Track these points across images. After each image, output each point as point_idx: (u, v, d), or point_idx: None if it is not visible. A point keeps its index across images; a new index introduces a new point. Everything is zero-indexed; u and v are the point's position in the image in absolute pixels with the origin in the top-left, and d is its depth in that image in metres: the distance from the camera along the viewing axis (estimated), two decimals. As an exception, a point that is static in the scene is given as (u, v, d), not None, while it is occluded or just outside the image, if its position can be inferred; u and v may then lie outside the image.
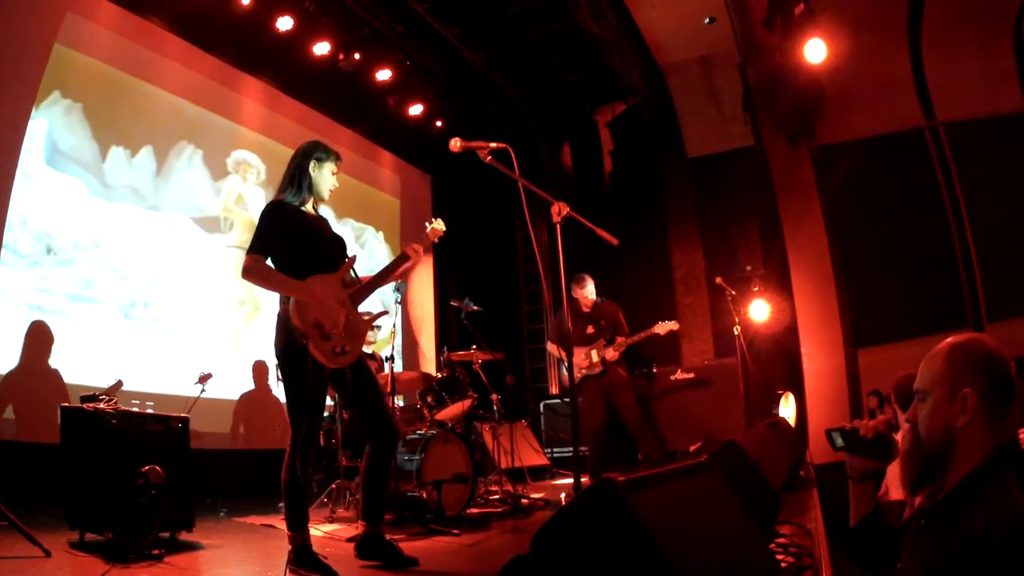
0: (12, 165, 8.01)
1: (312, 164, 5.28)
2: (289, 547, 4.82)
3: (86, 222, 8.88)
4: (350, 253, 5.39)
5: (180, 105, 10.29)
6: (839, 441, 2.84)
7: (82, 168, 8.92)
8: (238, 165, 10.97)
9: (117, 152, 9.35)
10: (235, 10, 10.24)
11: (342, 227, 12.91)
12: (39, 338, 8.09)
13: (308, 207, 5.33)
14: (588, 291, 9.12)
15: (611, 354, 8.81)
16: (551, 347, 9.32)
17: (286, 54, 11.40)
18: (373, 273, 5.49)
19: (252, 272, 4.94)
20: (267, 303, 10.49)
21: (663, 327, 8.96)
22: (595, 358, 8.87)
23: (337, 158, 5.42)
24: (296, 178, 5.28)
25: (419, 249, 5.48)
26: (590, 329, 9.04)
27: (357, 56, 11.82)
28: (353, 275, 5.37)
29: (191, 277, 10.07)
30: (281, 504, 4.93)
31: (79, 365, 8.38)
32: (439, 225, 5.88)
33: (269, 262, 5.05)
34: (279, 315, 5.04)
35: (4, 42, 7.97)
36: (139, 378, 8.77)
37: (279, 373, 5.15)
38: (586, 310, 9.17)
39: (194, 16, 10.13)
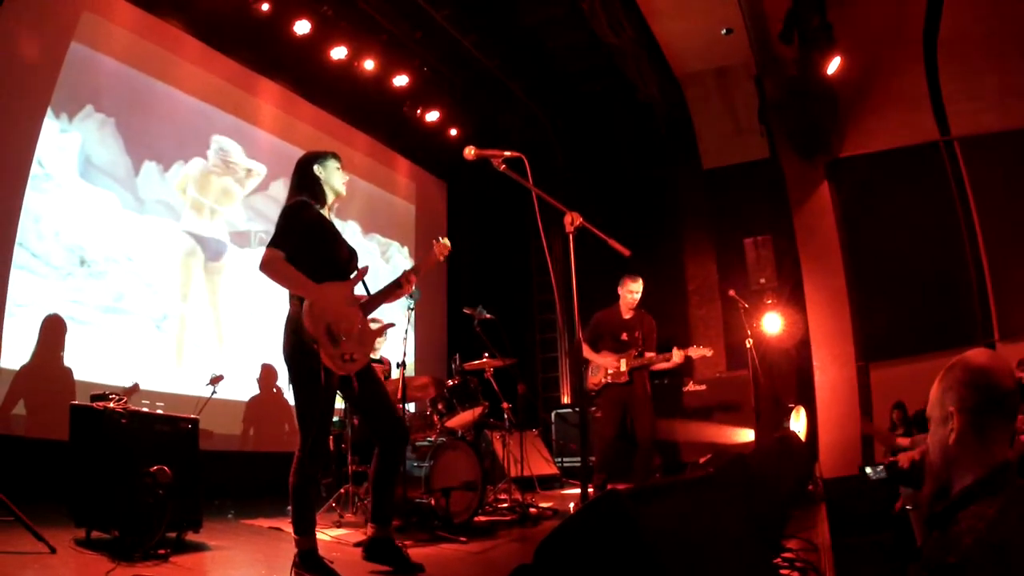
0: (28, 158, 8.06)
1: (316, 168, 5.33)
2: (295, 551, 4.82)
3: (119, 235, 9.00)
4: (366, 266, 5.39)
5: (208, 115, 10.38)
6: (872, 474, 2.90)
7: (115, 182, 9.00)
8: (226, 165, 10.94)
9: (150, 167, 9.45)
10: (253, 13, 10.26)
11: (368, 242, 12.99)
12: (51, 334, 8.12)
13: (326, 212, 5.37)
14: (636, 291, 8.97)
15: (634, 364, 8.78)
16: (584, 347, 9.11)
17: (303, 58, 11.42)
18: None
19: (271, 267, 4.91)
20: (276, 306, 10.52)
21: (696, 352, 8.88)
22: (623, 367, 8.80)
23: (335, 155, 5.46)
24: (307, 186, 5.31)
25: (413, 279, 5.53)
26: (624, 336, 8.95)
27: (370, 61, 11.81)
28: (364, 287, 5.40)
29: (210, 286, 10.14)
30: (289, 507, 4.93)
31: (92, 363, 8.41)
32: (445, 244, 5.90)
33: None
34: (288, 316, 5.03)
35: (22, 38, 8.02)
36: (151, 378, 8.81)
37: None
38: (626, 316, 9.07)
39: (211, 18, 10.17)
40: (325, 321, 4.89)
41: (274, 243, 4.95)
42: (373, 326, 5.48)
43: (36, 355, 7.95)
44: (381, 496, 5.30)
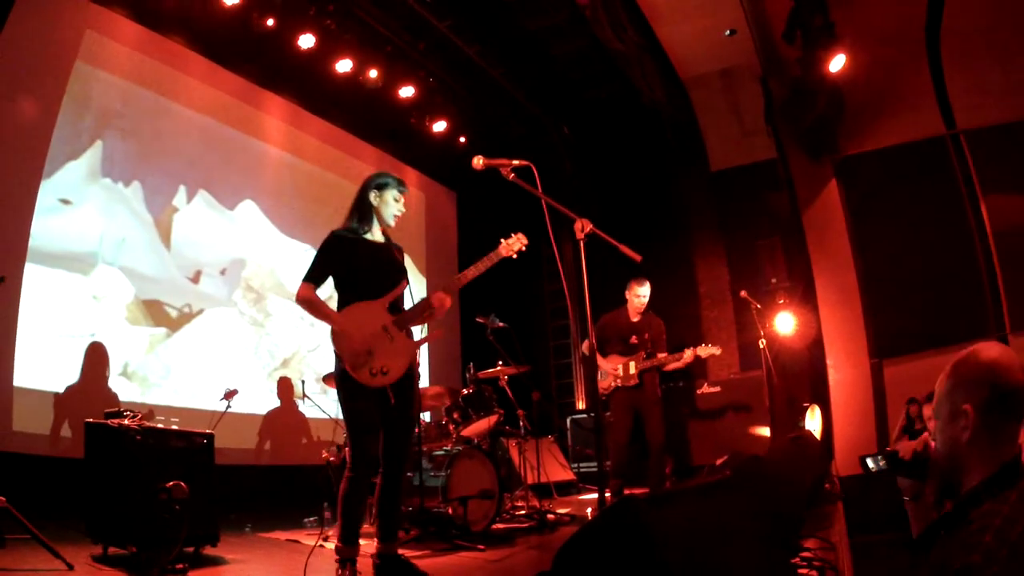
0: (37, 178, 8.14)
1: (372, 194, 5.61)
2: (336, 558, 5.14)
3: (128, 248, 9.10)
4: (403, 283, 5.62)
5: (214, 131, 10.41)
6: (872, 465, 2.87)
7: (124, 198, 9.09)
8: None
9: (159, 182, 9.60)
10: (256, 28, 10.28)
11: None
12: (95, 358, 8.28)
13: (374, 235, 5.65)
14: (643, 294, 8.92)
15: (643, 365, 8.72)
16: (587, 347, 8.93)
17: (309, 72, 11.45)
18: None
19: (302, 299, 5.32)
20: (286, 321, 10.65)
21: (705, 351, 8.84)
22: (632, 370, 8.75)
23: (399, 184, 5.74)
24: (357, 208, 5.64)
25: (444, 300, 5.60)
26: (633, 339, 8.86)
27: (373, 72, 11.82)
28: (408, 299, 5.63)
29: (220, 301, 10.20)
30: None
31: (113, 383, 8.49)
32: (520, 238, 5.89)
33: (333, 285, 5.46)
34: None
35: (26, 59, 8.06)
36: (165, 394, 8.86)
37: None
38: (634, 319, 8.98)
39: (215, 34, 10.19)
40: (347, 343, 5.18)
41: (306, 277, 5.36)
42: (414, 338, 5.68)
43: (81, 378, 8.16)
44: (384, 515, 5.48)
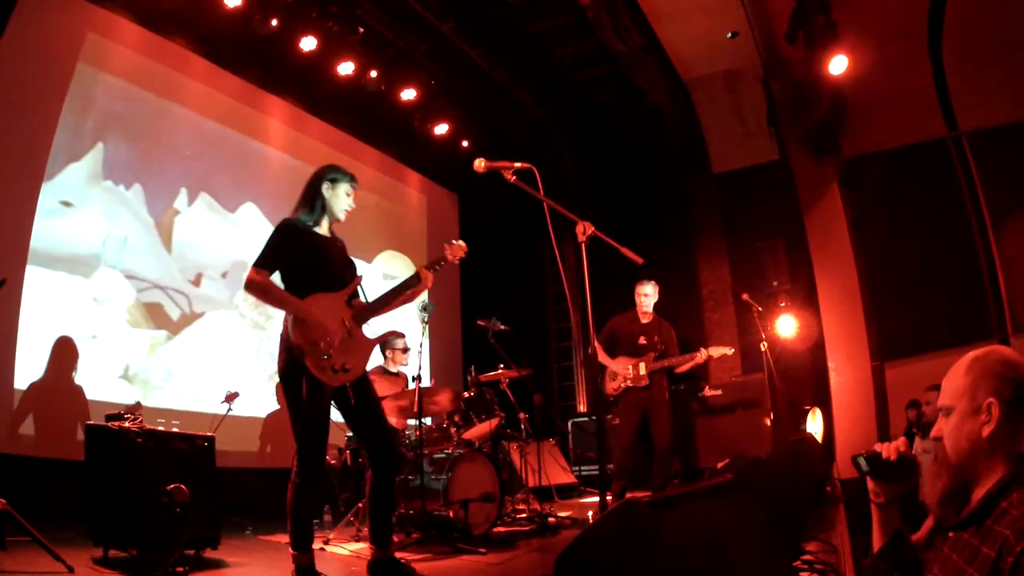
0: (38, 178, 8.14)
1: (325, 185, 5.41)
2: (293, 566, 4.94)
3: (130, 249, 9.10)
4: (360, 276, 5.47)
5: (216, 134, 10.40)
6: (865, 466, 2.80)
7: (125, 199, 9.08)
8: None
9: (159, 184, 9.60)
10: (259, 30, 10.26)
11: (379, 256, 13.01)
12: (63, 354, 8.17)
13: (323, 228, 5.45)
14: (646, 293, 8.96)
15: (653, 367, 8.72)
16: (598, 346, 8.75)
17: (311, 74, 11.43)
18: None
19: (254, 286, 5.07)
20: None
21: (717, 351, 8.84)
22: (642, 371, 8.73)
23: (352, 179, 5.51)
24: (309, 199, 5.42)
25: (429, 275, 5.49)
26: (642, 340, 8.89)
27: (374, 74, 11.79)
28: (362, 295, 5.46)
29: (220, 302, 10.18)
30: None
31: (102, 381, 8.47)
32: (460, 245, 5.84)
33: (278, 278, 5.19)
34: (281, 335, 5.15)
35: (27, 61, 8.05)
36: (166, 396, 8.85)
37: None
38: (643, 321, 9.02)
39: (217, 36, 10.17)
40: (309, 334, 4.98)
41: (257, 263, 5.10)
42: (371, 336, 5.51)
43: (48, 375, 8.01)
44: (376, 518, 5.34)
